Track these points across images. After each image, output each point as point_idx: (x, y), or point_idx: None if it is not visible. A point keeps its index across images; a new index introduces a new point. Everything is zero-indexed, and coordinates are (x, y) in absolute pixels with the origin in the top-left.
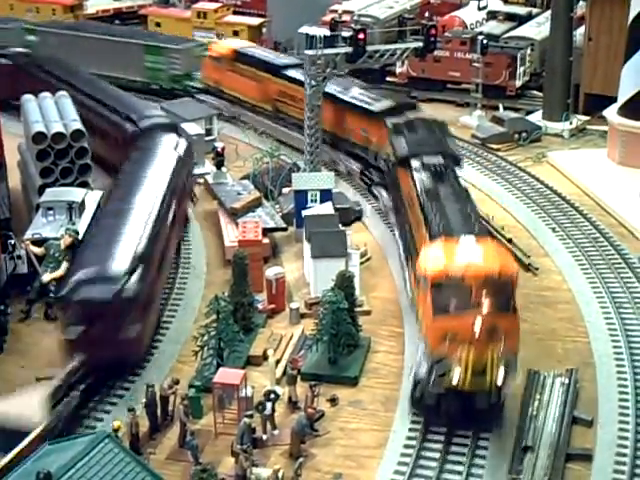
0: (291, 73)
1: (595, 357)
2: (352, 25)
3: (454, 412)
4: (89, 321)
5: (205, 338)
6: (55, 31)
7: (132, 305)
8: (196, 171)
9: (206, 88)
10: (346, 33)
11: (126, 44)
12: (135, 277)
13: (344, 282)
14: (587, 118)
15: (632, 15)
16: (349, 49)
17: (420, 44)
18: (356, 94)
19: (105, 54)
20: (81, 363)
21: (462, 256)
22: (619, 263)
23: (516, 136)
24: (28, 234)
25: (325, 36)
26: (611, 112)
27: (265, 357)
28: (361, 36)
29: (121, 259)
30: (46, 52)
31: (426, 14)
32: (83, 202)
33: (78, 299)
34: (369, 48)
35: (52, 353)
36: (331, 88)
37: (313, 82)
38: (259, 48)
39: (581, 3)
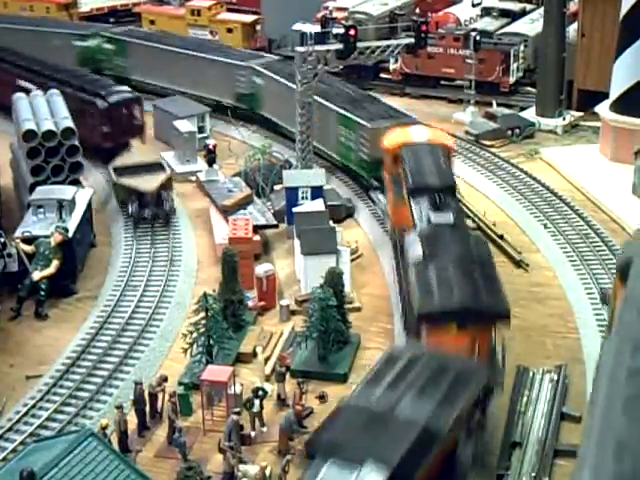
0: None
1: (585, 353)
2: (343, 22)
3: None
4: None
5: (194, 335)
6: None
7: None
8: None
9: None
10: (337, 30)
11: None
12: None
13: (334, 279)
14: (580, 114)
15: (624, 11)
16: (340, 46)
17: (411, 40)
18: None
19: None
20: None
21: None
22: (610, 259)
23: (509, 132)
24: (18, 232)
25: (316, 33)
26: (603, 108)
27: (255, 354)
28: (352, 33)
29: None
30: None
31: (417, 10)
32: (73, 200)
33: None
34: (360, 45)
35: (42, 351)
36: None
37: (304, 79)
38: None
39: None
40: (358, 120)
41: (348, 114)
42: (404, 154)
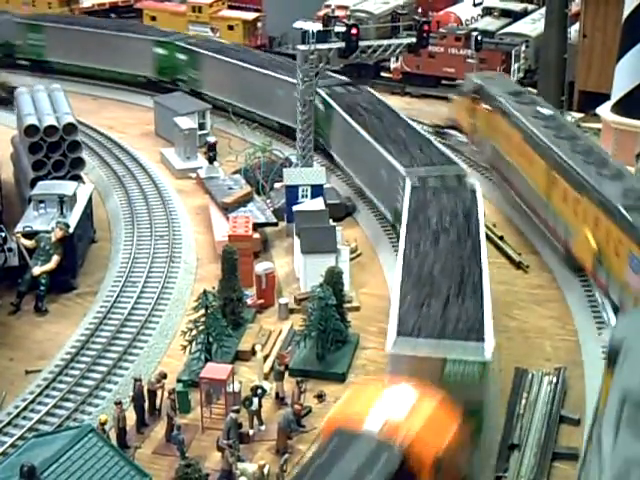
0: None
1: (584, 356)
2: (345, 20)
3: None
4: None
5: (193, 333)
6: None
7: None
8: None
9: None
10: (339, 28)
11: None
12: None
13: (333, 278)
14: (581, 115)
15: (626, 12)
16: (342, 44)
17: (413, 40)
18: None
19: None
20: None
21: None
22: None
23: None
24: (19, 227)
25: (318, 31)
26: (604, 110)
27: (254, 352)
28: (354, 31)
29: None
30: None
31: (419, 10)
32: (74, 195)
33: None
34: (362, 43)
35: (42, 346)
36: None
37: (305, 77)
38: None
39: (576, 0)
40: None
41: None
42: None
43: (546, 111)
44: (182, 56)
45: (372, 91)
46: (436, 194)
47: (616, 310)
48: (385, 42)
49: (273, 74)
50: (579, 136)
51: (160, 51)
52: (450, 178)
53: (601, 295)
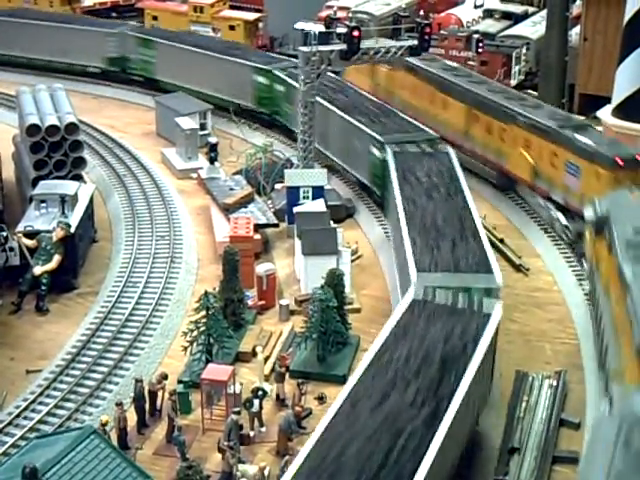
0: None
1: (584, 359)
2: (346, 22)
3: None
4: None
5: (194, 334)
6: None
7: None
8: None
9: None
10: (341, 30)
11: None
12: None
13: (334, 280)
14: (582, 118)
15: (627, 16)
16: (343, 46)
17: (415, 42)
18: None
19: None
20: None
21: None
22: None
23: None
24: (20, 226)
25: (319, 33)
26: (605, 113)
27: (254, 354)
28: (355, 33)
29: None
30: None
31: (420, 12)
32: (76, 195)
33: None
34: (363, 45)
35: (43, 346)
36: None
37: (307, 79)
38: None
39: (577, 2)
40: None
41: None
42: None
43: (451, 64)
44: (280, 88)
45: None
46: (415, 157)
47: (559, 208)
48: (387, 44)
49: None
50: (489, 81)
51: (258, 79)
52: (423, 143)
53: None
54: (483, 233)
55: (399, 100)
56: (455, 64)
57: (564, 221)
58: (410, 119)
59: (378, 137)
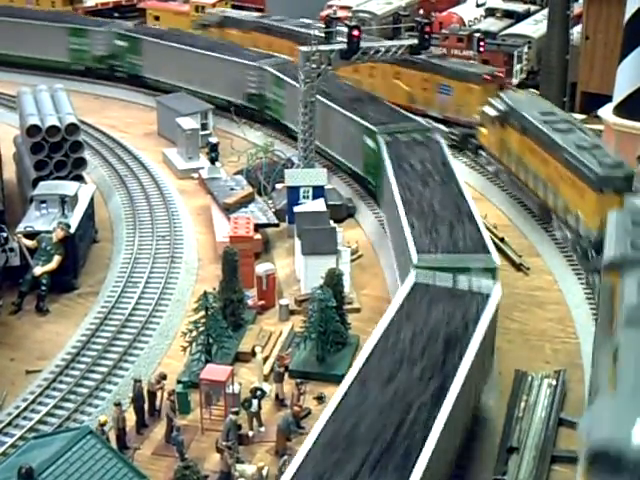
0: None
1: (583, 359)
2: (346, 22)
3: None
4: None
5: (194, 334)
6: None
7: None
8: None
9: None
10: (341, 29)
11: None
12: None
13: (333, 280)
14: (583, 117)
15: (628, 14)
16: (343, 46)
17: (415, 41)
18: None
19: None
20: None
21: None
22: None
23: None
24: (21, 227)
25: (319, 32)
26: (606, 111)
27: (254, 353)
28: (355, 33)
29: None
30: None
31: (420, 11)
32: (76, 196)
33: None
34: (363, 45)
35: (43, 346)
36: None
37: (307, 79)
38: None
39: (579, 1)
40: None
41: None
42: None
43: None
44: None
45: None
46: (408, 146)
47: (436, 120)
48: (387, 43)
49: None
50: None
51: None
52: (414, 132)
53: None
54: (478, 216)
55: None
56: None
57: (446, 129)
58: (400, 110)
59: (370, 127)
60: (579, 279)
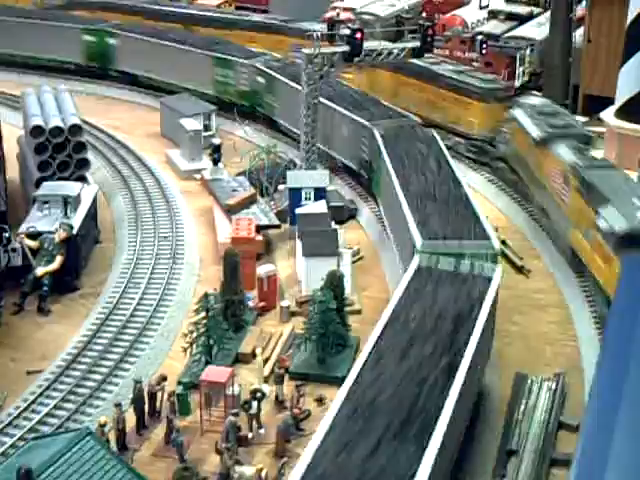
0: None
1: (584, 362)
2: (349, 24)
3: None
4: None
5: (194, 335)
6: None
7: None
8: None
9: None
10: (344, 31)
11: None
12: None
13: (334, 281)
14: (585, 119)
15: (630, 17)
16: (346, 48)
17: (417, 44)
18: None
19: None
20: None
21: None
22: None
23: None
24: (23, 227)
25: (322, 34)
26: (608, 114)
27: (254, 355)
28: (358, 35)
29: None
30: None
31: (423, 13)
32: (79, 196)
33: None
34: (366, 47)
35: (44, 346)
36: None
37: (310, 80)
38: None
39: (582, 4)
40: None
41: None
42: None
43: None
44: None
45: None
46: (402, 141)
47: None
48: (390, 45)
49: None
50: None
51: None
52: (407, 127)
53: None
54: (477, 205)
55: None
56: None
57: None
58: (392, 106)
59: (364, 122)
60: (580, 282)
